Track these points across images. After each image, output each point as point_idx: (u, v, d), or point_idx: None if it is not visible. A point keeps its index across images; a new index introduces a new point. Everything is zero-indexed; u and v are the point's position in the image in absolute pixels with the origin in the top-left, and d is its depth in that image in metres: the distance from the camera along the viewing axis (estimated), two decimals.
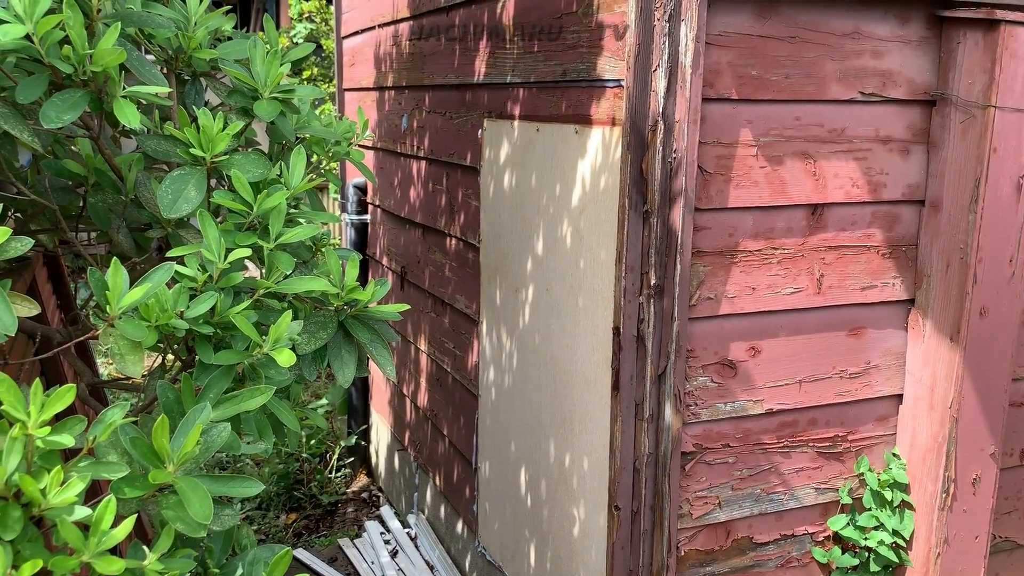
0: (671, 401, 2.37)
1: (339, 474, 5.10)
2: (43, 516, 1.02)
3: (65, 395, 1.02)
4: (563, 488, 2.87)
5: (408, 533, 4.27)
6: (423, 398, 4.20)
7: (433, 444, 4.11)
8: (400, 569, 3.95)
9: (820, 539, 2.65)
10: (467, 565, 3.78)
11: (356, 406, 5.17)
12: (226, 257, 1.35)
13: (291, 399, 1.69)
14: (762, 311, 2.45)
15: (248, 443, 1.32)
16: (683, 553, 2.48)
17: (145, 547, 1.11)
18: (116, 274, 1.18)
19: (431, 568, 3.95)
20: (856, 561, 2.60)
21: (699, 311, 2.38)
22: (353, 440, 5.12)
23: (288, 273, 1.64)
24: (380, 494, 4.99)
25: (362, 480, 5.19)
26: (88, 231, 2.00)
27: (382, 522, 4.48)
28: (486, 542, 3.56)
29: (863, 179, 2.45)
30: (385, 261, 4.65)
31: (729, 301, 2.40)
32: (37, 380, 1.02)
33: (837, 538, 2.65)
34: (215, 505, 1.22)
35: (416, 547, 4.14)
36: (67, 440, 1.03)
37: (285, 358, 1.27)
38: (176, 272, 1.34)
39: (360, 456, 5.24)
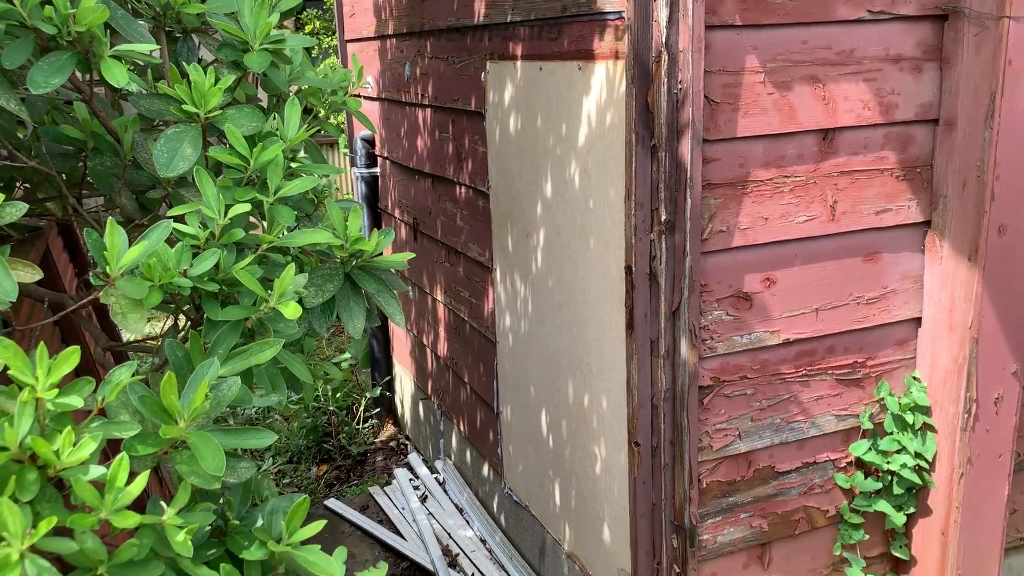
0: (686, 337, 2.36)
1: (366, 425, 5.17)
2: (60, 477, 1.04)
3: (70, 357, 1.03)
4: (583, 428, 2.89)
5: (436, 478, 4.34)
6: (443, 347, 4.23)
7: (455, 392, 4.15)
8: (430, 513, 4.02)
9: (842, 465, 2.65)
10: (495, 506, 3.84)
11: (379, 358, 5.21)
12: (226, 213, 1.35)
13: (304, 352, 1.70)
14: (776, 241, 2.42)
15: (260, 396, 1.33)
16: (705, 485, 2.50)
17: (164, 503, 1.13)
18: (113, 234, 1.18)
19: (460, 510, 4.02)
20: (879, 485, 2.61)
21: (712, 244, 2.36)
22: (378, 391, 5.18)
23: (293, 226, 1.64)
24: (407, 442, 5.06)
25: (389, 430, 5.26)
26: (95, 197, 2.00)
27: (410, 469, 4.55)
28: (512, 483, 3.60)
29: (874, 101, 2.39)
30: (397, 213, 4.64)
31: (742, 233, 2.37)
32: (42, 344, 1.03)
33: (859, 463, 2.66)
34: (231, 458, 1.23)
35: (445, 491, 4.21)
36: (76, 401, 1.04)
37: (291, 311, 1.27)
38: (178, 231, 1.34)
39: (386, 407, 5.30)
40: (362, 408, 5.16)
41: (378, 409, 5.26)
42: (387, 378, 5.24)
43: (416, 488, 4.30)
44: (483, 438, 3.86)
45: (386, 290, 1.57)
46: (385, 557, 3.82)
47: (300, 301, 1.47)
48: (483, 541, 3.76)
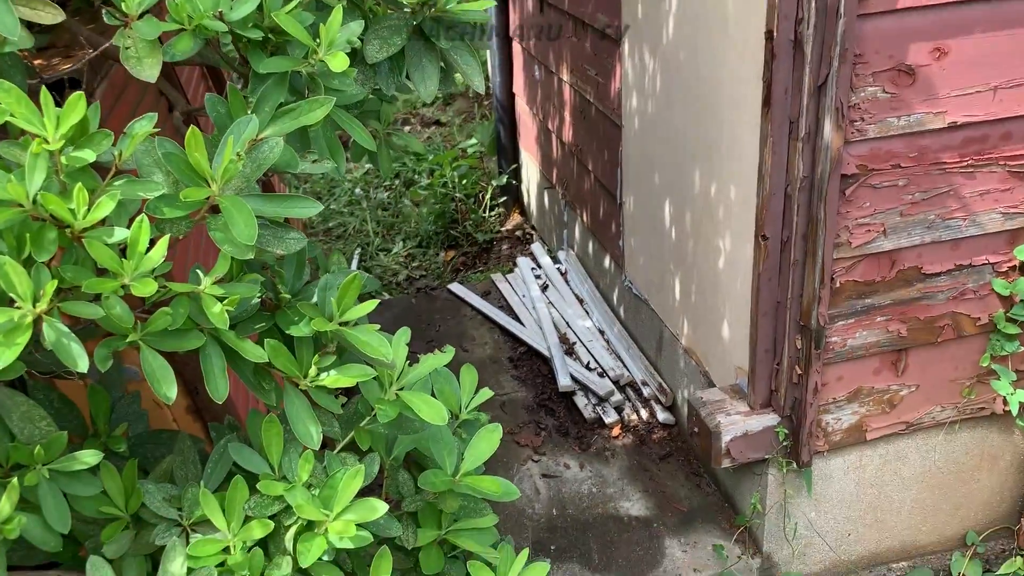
0: (832, 116, 2.04)
1: (493, 213, 5.10)
2: (82, 239, 0.96)
3: (76, 105, 0.91)
4: (708, 219, 2.67)
5: (558, 269, 4.26)
6: (568, 133, 3.99)
7: (579, 180, 3.96)
8: (550, 302, 3.98)
9: (1003, 269, 2.33)
10: (615, 299, 3.74)
11: (505, 145, 5.05)
12: None
13: (381, 120, 1.54)
14: (954, 1, 2.00)
15: (313, 162, 1.20)
16: (839, 285, 2.26)
17: (200, 271, 1.04)
18: None
19: (580, 301, 3.95)
20: None
21: (872, 5, 1.97)
22: (504, 179, 5.05)
23: None
24: (533, 232, 4.97)
25: (516, 219, 5.18)
26: None
27: (533, 258, 4.48)
28: (632, 276, 3.46)
29: None
30: None
31: None
32: (44, 90, 0.91)
33: None
34: (278, 228, 1.12)
35: (566, 281, 4.13)
36: (88, 155, 0.93)
37: (338, 62, 1.10)
38: None
39: (512, 195, 5.20)
40: (488, 196, 5.08)
41: (505, 198, 5.16)
42: (513, 166, 5.09)
43: (538, 277, 4.24)
44: (605, 229, 3.69)
45: (464, 47, 1.36)
46: (503, 341, 3.83)
47: (363, 57, 1.29)
48: (601, 332, 3.69)
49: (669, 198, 2.95)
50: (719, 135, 2.50)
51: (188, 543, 1.15)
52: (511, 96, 4.87)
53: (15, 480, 0.99)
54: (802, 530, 2.61)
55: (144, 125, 0.99)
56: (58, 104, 1.07)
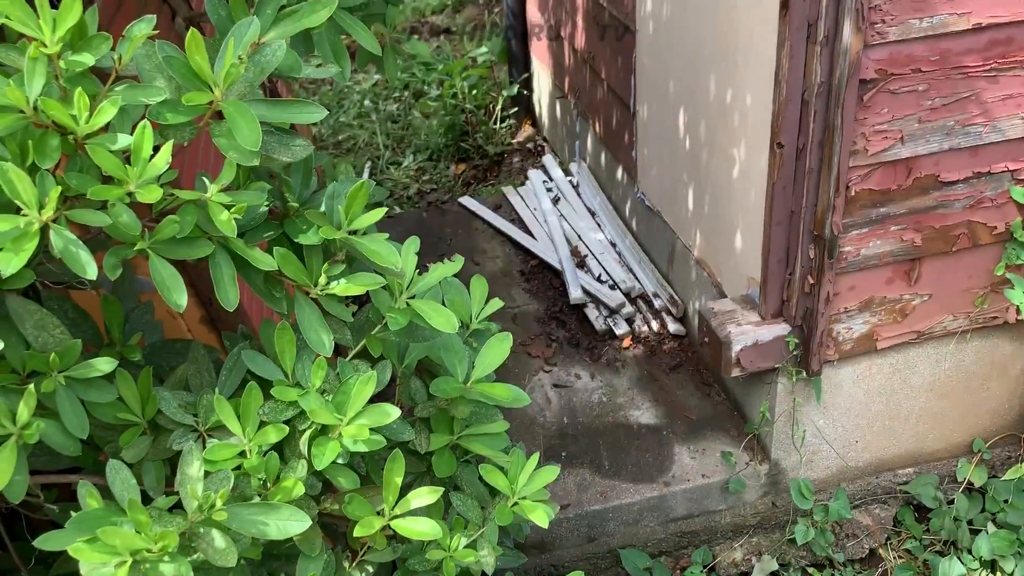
0: (851, 18, 1.98)
1: (504, 125, 5.03)
2: (85, 145, 0.95)
3: (72, 6, 0.89)
4: (723, 128, 2.62)
5: (570, 181, 4.22)
6: (580, 39, 3.90)
7: (592, 89, 3.88)
8: (562, 215, 3.95)
9: (1023, 177, 2.29)
10: (627, 211, 3.71)
11: (516, 53, 4.94)
12: None
13: (387, 24, 1.50)
14: None
15: (317, 67, 1.17)
16: (854, 193, 2.23)
17: (206, 179, 1.03)
18: None
19: (592, 214, 3.93)
20: None
21: None
22: (515, 89, 4.96)
23: None
24: (545, 144, 4.91)
25: (527, 131, 5.11)
26: None
27: (545, 171, 4.44)
28: (645, 188, 3.43)
29: None
30: None
31: None
32: None
33: None
34: (283, 135, 1.11)
35: (578, 194, 4.10)
36: (87, 59, 0.91)
37: None
38: None
39: (524, 106, 5.11)
40: (499, 107, 5.00)
41: (516, 109, 5.08)
42: (525, 75, 4.99)
43: (549, 190, 4.21)
44: (618, 140, 3.64)
45: None
46: (515, 255, 3.83)
47: None
48: (613, 244, 3.68)
49: (684, 106, 2.89)
50: (735, 39, 2.43)
51: (204, 448, 1.18)
52: (522, 2, 4.74)
53: (31, 387, 1.00)
54: (810, 438, 2.65)
55: (143, 27, 0.96)
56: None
